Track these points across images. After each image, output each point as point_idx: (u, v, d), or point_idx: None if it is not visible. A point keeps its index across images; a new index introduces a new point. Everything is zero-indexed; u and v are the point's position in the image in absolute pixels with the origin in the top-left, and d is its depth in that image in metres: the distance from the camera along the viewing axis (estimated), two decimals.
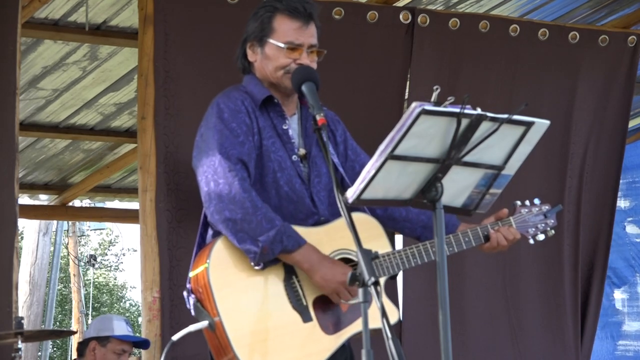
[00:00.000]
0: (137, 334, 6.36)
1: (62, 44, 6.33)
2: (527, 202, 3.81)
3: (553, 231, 3.83)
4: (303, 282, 3.50)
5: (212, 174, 3.48)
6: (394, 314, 3.62)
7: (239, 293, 3.45)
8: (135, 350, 6.41)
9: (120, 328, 6.11)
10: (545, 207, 3.83)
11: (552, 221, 3.83)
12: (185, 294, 3.57)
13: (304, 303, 3.49)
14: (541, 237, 3.82)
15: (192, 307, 3.52)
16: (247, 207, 3.41)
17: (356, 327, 3.52)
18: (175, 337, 3.44)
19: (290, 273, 3.51)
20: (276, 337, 3.43)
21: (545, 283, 6.09)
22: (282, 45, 3.60)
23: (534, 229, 3.80)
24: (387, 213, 3.76)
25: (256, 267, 3.45)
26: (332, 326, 3.50)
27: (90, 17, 5.96)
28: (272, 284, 3.49)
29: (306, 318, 3.47)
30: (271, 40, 3.62)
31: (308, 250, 3.47)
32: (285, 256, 3.46)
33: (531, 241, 3.80)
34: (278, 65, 3.62)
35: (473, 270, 5.86)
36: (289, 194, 3.60)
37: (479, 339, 5.90)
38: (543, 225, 3.81)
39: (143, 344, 6.22)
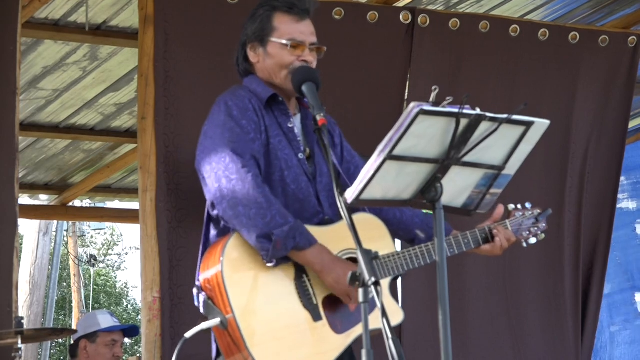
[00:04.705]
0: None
1: (63, 44, 6.33)
2: (519, 206, 3.83)
3: (543, 235, 3.86)
4: (313, 281, 3.49)
5: (223, 171, 3.44)
6: (399, 315, 3.62)
7: (252, 291, 3.44)
8: (127, 342, 6.43)
9: (105, 321, 6.13)
10: (537, 211, 3.86)
11: (543, 225, 3.86)
12: (195, 291, 3.55)
13: (315, 302, 3.48)
14: (532, 240, 3.86)
15: (201, 305, 3.50)
16: (261, 203, 3.37)
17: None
18: (188, 335, 3.42)
19: (300, 272, 3.50)
20: (288, 336, 3.42)
21: (545, 283, 6.08)
22: (285, 42, 3.61)
23: (527, 233, 3.84)
24: (380, 216, 3.73)
25: (268, 264, 3.42)
26: (341, 325, 3.51)
27: (91, 17, 5.96)
28: (283, 282, 3.48)
29: (316, 317, 3.47)
30: (273, 39, 3.63)
31: (319, 251, 3.45)
32: (296, 254, 3.44)
33: (524, 244, 3.83)
34: (282, 64, 3.62)
35: (473, 270, 5.85)
36: (296, 192, 3.59)
37: (479, 339, 5.89)
38: (535, 229, 3.85)
39: (131, 330, 6.23)
